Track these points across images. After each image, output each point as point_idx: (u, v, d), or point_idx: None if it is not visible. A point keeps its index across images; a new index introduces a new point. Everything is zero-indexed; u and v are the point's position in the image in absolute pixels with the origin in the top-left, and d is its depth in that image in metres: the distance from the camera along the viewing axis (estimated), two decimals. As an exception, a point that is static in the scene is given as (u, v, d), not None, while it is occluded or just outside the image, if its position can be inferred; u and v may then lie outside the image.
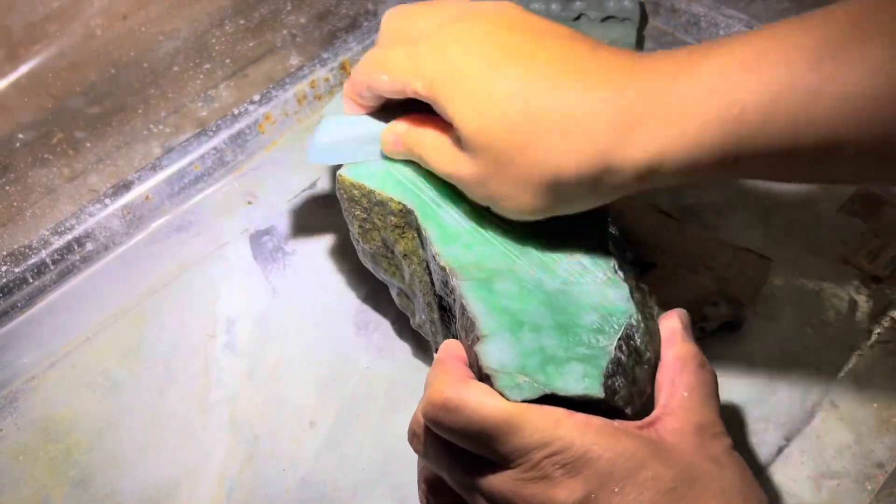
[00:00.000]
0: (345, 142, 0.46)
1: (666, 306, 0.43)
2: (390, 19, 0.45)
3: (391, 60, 0.42)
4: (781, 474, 0.47)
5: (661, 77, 0.36)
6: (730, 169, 0.36)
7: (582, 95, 0.37)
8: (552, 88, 0.37)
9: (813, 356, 0.51)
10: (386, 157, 0.46)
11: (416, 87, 0.41)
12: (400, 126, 0.45)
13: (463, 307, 0.39)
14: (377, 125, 0.45)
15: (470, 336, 0.38)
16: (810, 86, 0.33)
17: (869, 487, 0.46)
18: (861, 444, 0.48)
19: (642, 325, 0.39)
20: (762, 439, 0.48)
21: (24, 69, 0.64)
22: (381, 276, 0.49)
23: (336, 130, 0.46)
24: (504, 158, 0.38)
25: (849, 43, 0.33)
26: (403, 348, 0.53)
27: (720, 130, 0.34)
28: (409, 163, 0.46)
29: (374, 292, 0.55)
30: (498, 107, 0.38)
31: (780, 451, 0.48)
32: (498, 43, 0.39)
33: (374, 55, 0.44)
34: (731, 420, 0.47)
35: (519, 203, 0.40)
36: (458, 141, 0.40)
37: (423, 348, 0.53)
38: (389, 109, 0.46)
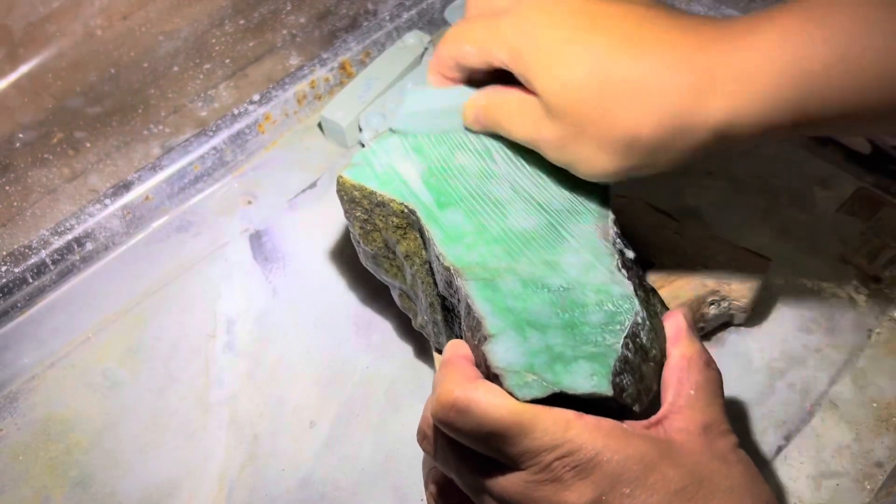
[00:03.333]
0: (430, 111, 0.47)
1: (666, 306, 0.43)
2: None
3: (476, 33, 0.44)
4: (781, 474, 0.47)
5: (732, 40, 0.38)
6: (801, 127, 0.38)
7: (658, 60, 0.38)
8: (630, 54, 0.39)
9: (813, 356, 0.51)
10: (466, 129, 0.47)
11: (501, 57, 0.43)
12: (481, 96, 0.46)
13: (468, 307, 0.39)
14: (462, 97, 0.46)
15: (476, 336, 0.38)
16: (875, 45, 0.35)
17: (869, 487, 0.46)
18: (861, 444, 0.48)
19: (647, 322, 0.39)
20: (762, 439, 0.48)
21: (24, 69, 0.64)
22: (381, 277, 0.49)
23: (423, 100, 0.47)
24: (585, 122, 0.40)
25: None
26: (403, 348, 0.53)
27: (788, 89, 0.36)
28: (412, 162, 0.46)
29: (374, 292, 0.55)
30: (579, 73, 0.40)
31: (780, 451, 0.48)
32: (576, 11, 0.41)
33: (460, 28, 0.45)
34: (731, 420, 0.47)
35: (598, 164, 0.41)
36: (541, 107, 0.42)
37: (423, 349, 0.53)
38: (474, 85, 0.47)
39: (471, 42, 0.44)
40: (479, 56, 0.44)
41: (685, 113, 0.38)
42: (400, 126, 0.47)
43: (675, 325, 0.40)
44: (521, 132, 0.44)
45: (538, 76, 0.41)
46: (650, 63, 0.39)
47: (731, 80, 0.37)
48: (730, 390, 0.48)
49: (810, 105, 0.36)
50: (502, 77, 0.44)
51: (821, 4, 0.37)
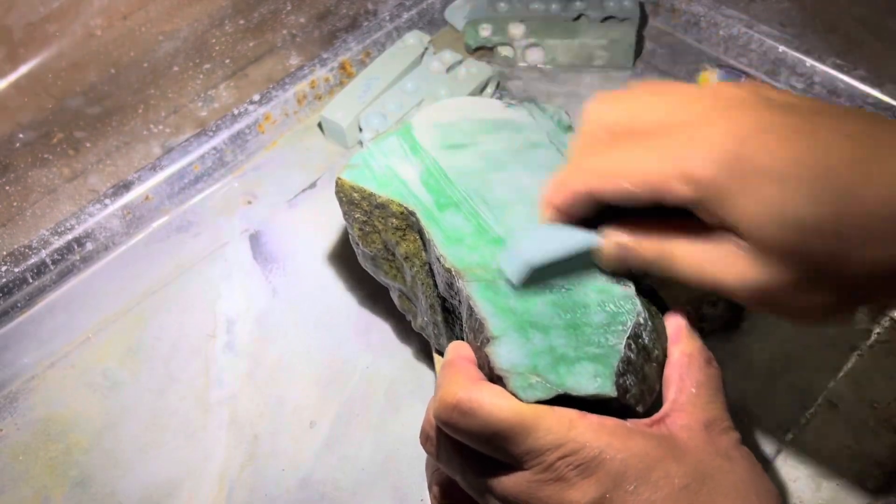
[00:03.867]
0: (557, 258, 0.39)
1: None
2: (600, 111, 0.38)
3: (634, 162, 0.35)
4: (782, 474, 0.47)
5: None
6: None
7: None
8: (870, 175, 0.32)
9: (813, 356, 0.51)
10: (594, 268, 0.40)
11: (679, 189, 0.34)
12: (627, 235, 0.38)
13: (470, 308, 0.39)
14: (587, 235, 0.39)
15: (479, 338, 0.38)
16: None
17: (869, 487, 0.46)
18: (861, 444, 0.48)
19: (649, 322, 0.39)
20: (762, 440, 0.48)
21: (24, 69, 0.64)
22: (381, 279, 0.49)
23: (542, 245, 0.39)
24: (818, 264, 0.33)
25: None
26: (403, 349, 0.53)
27: None
28: (411, 164, 0.46)
29: (374, 293, 0.55)
30: (812, 205, 0.32)
31: (779, 451, 0.48)
32: (787, 136, 0.33)
33: (600, 158, 0.37)
34: (732, 419, 0.47)
35: (832, 310, 0.35)
36: (741, 248, 0.34)
37: (423, 349, 0.53)
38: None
39: (629, 175, 0.35)
40: (641, 190, 0.35)
41: None
42: (520, 278, 0.39)
43: (675, 323, 0.40)
44: (706, 277, 0.36)
45: (744, 210, 0.33)
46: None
47: None
48: (730, 390, 0.48)
49: None
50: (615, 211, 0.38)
51: None
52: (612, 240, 0.38)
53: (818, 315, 0.35)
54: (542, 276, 0.39)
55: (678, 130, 0.35)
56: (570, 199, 0.38)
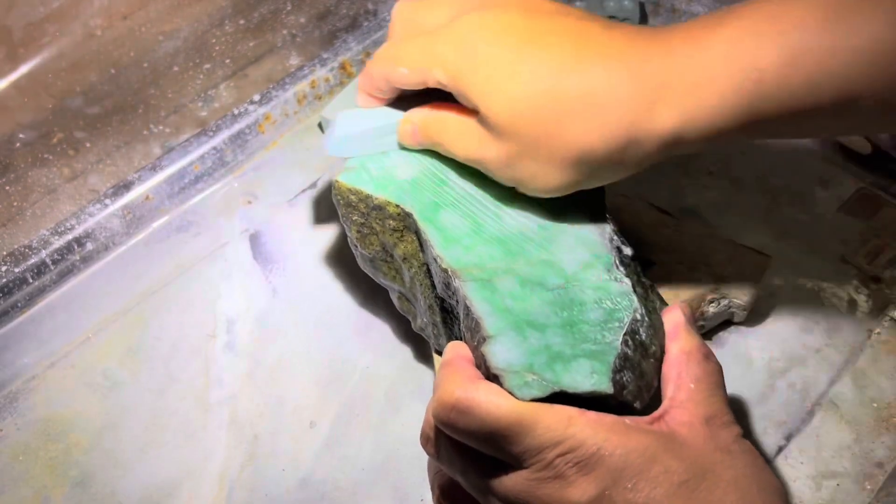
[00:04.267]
0: (363, 133, 0.46)
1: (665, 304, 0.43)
2: (402, 12, 0.46)
3: (410, 53, 0.43)
4: (782, 474, 0.47)
5: (677, 49, 0.38)
6: (752, 131, 0.38)
7: (603, 72, 0.38)
8: (573, 68, 0.38)
9: (813, 356, 0.51)
10: (402, 148, 0.46)
11: (438, 76, 0.42)
12: (417, 115, 0.45)
13: (467, 308, 0.39)
14: (395, 116, 0.46)
15: (476, 337, 0.38)
16: (824, 45, 0.35)
17: (869, 487, 0.46)
18: (861, 444, 0.48)
19: (646, 319, 0.39)
20: (762, 439, 0.48)
21: (24, 69, 0.64)
22: (380, 280, 0.49)
23: (354, 123, 0.46)
24: (531, 139, 0.39)
25: (859, 3, 0.35)
26: (403, 348, 0.53)
27: (740, 96, 0.36)
28: (407, 165, 0.46)
29: (373, 292, 0.55)
30: (522, 89, 0.39)
31: (780, 451, 0.48)
32: (516, 28, 0.40)
33: (392, 48, 0.44)
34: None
35: (547, 181, 0.40)
36: (483, 125, 0.41)
37: (423, 349, 0.53)
38: (404, 102, 0.46)
39: (406, 63, 0.43)
40: (415, 76, 0.43)
41: (636, 125, 0.38)
42: (335, 151, 0.46)
43: (673, 320, 0.40)
44: (463, 151, 0.43)
45: (481, 95, 0.40)
46: (599, 77, 0.38)
47: (681, 89, 0.37)
48: (730, 390, 0.48)
49: (762, 109, 0.36)
50: (433, 95, 0.44)
51: (769, 7, 0.37)
52: (407, 117, 0.45)
53: (546, 184, 0.41)
54: (354, 148, 0.46)
55: (447, 28, 0.42)
56: (371, 83, 0.46)
